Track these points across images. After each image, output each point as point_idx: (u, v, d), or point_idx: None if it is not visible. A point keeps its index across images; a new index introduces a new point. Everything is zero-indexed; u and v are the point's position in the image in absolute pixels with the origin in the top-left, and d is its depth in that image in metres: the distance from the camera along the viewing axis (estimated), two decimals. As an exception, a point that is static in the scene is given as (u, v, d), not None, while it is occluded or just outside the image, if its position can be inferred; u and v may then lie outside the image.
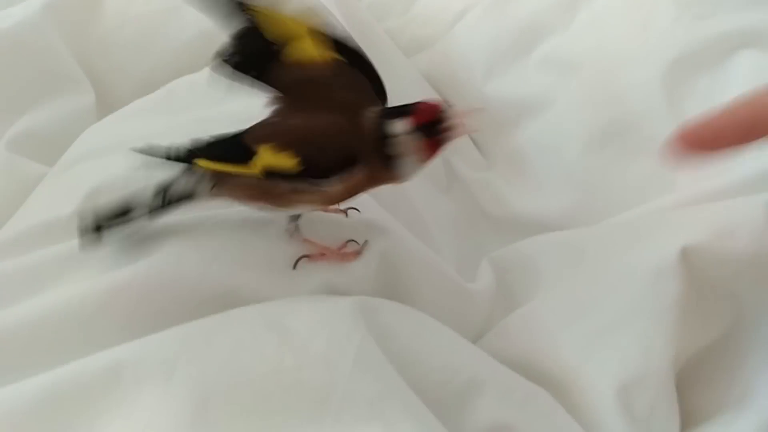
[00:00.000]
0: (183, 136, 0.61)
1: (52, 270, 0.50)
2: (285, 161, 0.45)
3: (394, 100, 0.80)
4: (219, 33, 0.81)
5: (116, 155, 0.61)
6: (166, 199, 0.48)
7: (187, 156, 0.46)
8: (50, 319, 0.45)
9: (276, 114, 0.49)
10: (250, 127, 0.48)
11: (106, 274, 0.48)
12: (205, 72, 0.70)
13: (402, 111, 0.47)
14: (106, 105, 0.80)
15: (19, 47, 0.77)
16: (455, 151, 0.82)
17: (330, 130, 0.47)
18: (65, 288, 0.48)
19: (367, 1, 1.08)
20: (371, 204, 0.58)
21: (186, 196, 0.48)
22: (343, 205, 0.54)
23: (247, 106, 0.64)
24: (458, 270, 0.68)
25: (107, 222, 0.49)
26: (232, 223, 0.52)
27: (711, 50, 0.68)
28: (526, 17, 0.81)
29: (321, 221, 0.53)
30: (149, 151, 0.47)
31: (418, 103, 0.47)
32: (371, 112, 0.47)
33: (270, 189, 0.47)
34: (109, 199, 0.49)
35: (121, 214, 0.49)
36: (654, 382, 0.49)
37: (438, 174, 0.80)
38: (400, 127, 0.46)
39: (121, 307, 0.46)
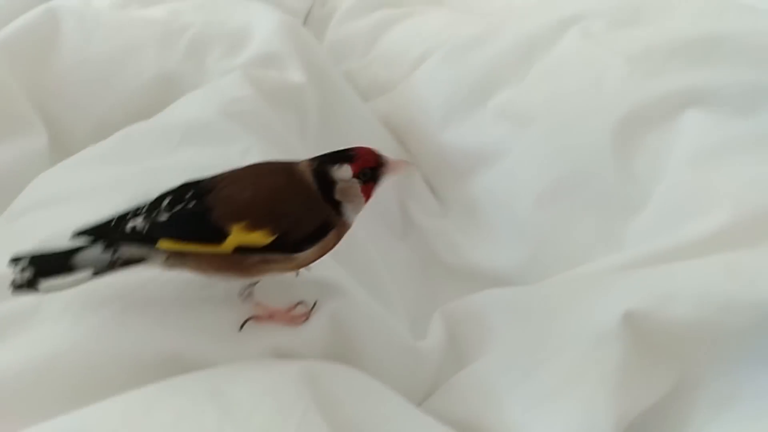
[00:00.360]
0: (135, 187, 0.61)
1: (-6, 331, 0.49)
2: (260, 238, 0.46)
3: (349, 144, 0.81)
4: (175, 76, 0.82)
5: (67, 207, 0.61)
6: (115, 261, 0.47)
7: (149, 237, 0.45)
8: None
9: (221, 184, 0.48)
10: (209, 203, 0.47)
11: (47, 339, 0.47)
12: (162, 119, 0.70)
13: (340, 157, 0.48)
14: (60, 146, 0.80)
15: (-29, 87, 0.76)
16: (412, 197, 0.83)
17: (297, 200, 0.48)
18: (8, 353, 0.47)
19: (328, 41, 1.09)
20: (324, 259, 0.58)
21: (136, 260, 0.47)
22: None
23: (199, 156, 0.65)
24: (411, 318, 0.68)
25: (46, 274, 0.46)
26: (176, 285, 0.51)
27: (660, 108, 0.70)
28: (483, 66, 0.82)
29: (272, 282, 0.53)
30: (103, 233, 0.46)
31: (354, 149, 0.49)
32: (303, 166, 0.49)
33: (239, 261, 0.47)
34: (53, 250, 0.48)
35: (63, 270, 0.47)
36: (597, 446, 0.50)
37: (395, 220, 0.81)
38: (345, 172, 0.48)
39: (63, 374, 0.46)
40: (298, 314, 0.52)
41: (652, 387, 0.54)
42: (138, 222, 0.46)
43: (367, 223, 0.74)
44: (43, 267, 0.46)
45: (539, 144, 0.74)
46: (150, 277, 0.52)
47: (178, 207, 0.47)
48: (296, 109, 0.75)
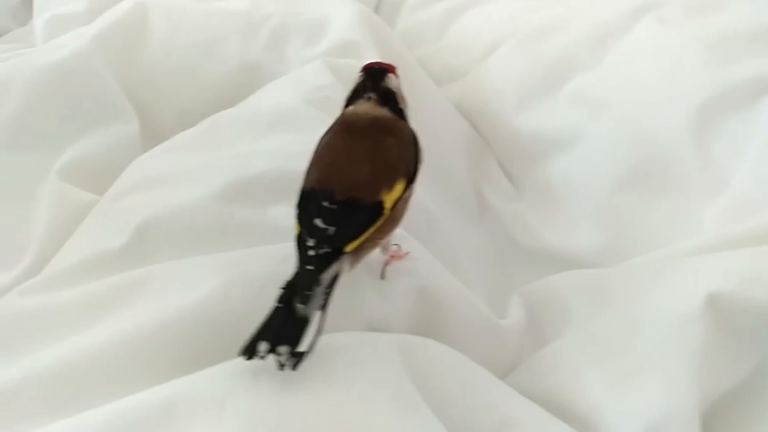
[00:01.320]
0: (227, 171, 0.64)
1: (104, 304, 0.53)
2: (401, 187, 0.50)
3: (424, 129, 0.83)
4: (258, 65, 0.85)
5: (163, 189, 0.64)
6: (327, 292, 0.46)
7: (334, 251, 0.46)
8: (106, 353, 0.48)
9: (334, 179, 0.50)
10: (346, 195, 0.48)
11: (156, 310, 0.50)
12: (248, 106, 0.73)
13: (376, 75, 0.55)
14: (149, 133, 0.84)
15: (70, 78, 0.81)
16: (487, 181, 0.84)
17: (393, 138, 0.52)
18: (118, 323, 0.51)
19: (399, 29, 1.11)
20: (407, 238, 0.60)
21: (334, 278, 0.48)
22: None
23: (286, 142, 0.68)
24: (488, 300, 0.70)
25: (293, 347, 0.44)
26: (273, 259, 0.54)
27: (739, 94, 0.70)
28: (558, 53, 0.83)
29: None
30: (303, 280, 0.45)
31: (369, 66, 0.56)
32: (365, 107, 0.53)
33: (394, 217, 0.50)
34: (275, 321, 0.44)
35: (301, 331, 0.44)
36: (679, 424, 0.51)
37: (469, 204, 0.82)
38: (394, 80, 0.55)
39: (170, 343, 0.49)
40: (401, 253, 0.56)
41: (734, 368, 0.55)
42: (320, 251, 0.46)
43: (443, 206, 0.76)
44: (281, 340, 0.44)
45: (616, 129, 0.74)
46: (249, 252, 0.55)
47: (328, 218, 0.47)
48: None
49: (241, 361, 0.47)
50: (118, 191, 0.68)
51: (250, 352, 0.43)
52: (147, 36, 0.86)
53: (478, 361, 0.54)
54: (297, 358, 0.43)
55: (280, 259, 0.53)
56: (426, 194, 0.70)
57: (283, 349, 0.43)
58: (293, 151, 0.64)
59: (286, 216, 0.60)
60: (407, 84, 0.83)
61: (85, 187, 0.76)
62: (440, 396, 0.47)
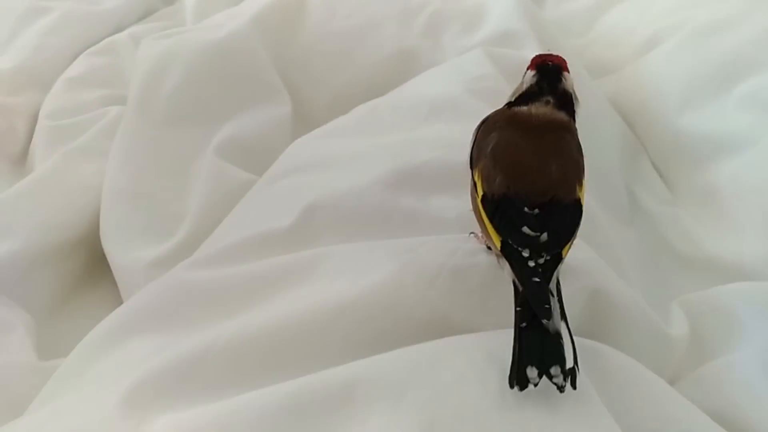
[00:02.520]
0: (389, 157, 0.64)
1: (276, 281, 0.54)
2: (586, 187, 0.48)
3: (580, 122, 0.80)
4: (414, 52, 0.85)
5: (326, 172, 0.65)
6: (562, 300, 0.45)
7: (554, 258, 0.45)
8: (286, 330, 0.49)
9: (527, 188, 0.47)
10: (548, 198, 0.46)
11: (333, 291, 0.51)
12: (407, 94, 0.73)
13: (552, 75, 0.51)
14: (300, 115, 0.86)
15: (229, 57, 0.83)
16: (640, 183, 0.81)
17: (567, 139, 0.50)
18: (294, 301, 0.51)
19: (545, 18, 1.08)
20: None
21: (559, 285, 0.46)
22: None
23: (448, 132, 0.67)
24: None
25: (563, 366, 0.42)
26: (444, 250, 0.53)
27: None
28: (730, 51, 0.78)
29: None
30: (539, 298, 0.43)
31: (541, 61, 0.52)
32: (544, 109, 0.50)
33: None
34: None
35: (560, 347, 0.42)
36: None
37: (622, 204, 0.79)
38: (569, 80, 0.52)
39: (347, 325, 0.49)
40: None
41: None
42: (539, 260, 0.44)
43: (599, 205, 0.73)
44: (548, 361, 0.42)
45: (796, 134, 0.70)
46: (420, 242, 0.54)
47: (535, 224, 0.45)
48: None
49: (421, 349, 0.47)
50: (280, 172, 0.69)
51: (522, 381, 0.41)
52: (304, 18, 0.87)
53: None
54: (571, 374, 0.42)
55: (451, 252, 0.53)
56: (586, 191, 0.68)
57: (555, 370, 0.41)
58: (455, 140, 0.63)
59: (448, 207, 0.60)
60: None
61: (239, 165, 0.78)
62: (621, 404, 0.46)
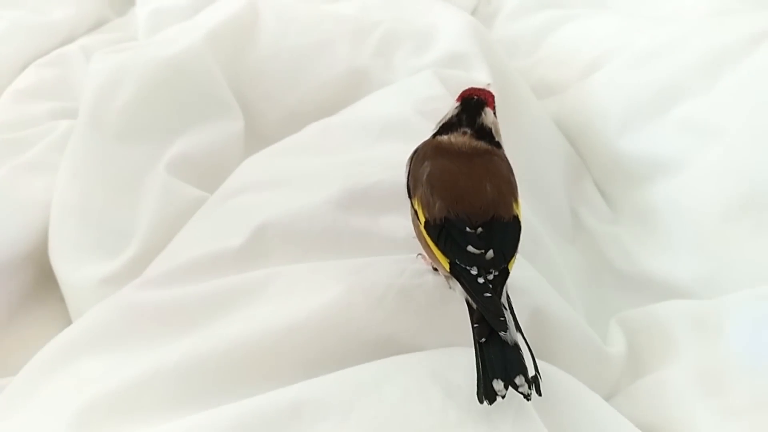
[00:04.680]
0: (339, 177, 0.65)
1: (227, 301, 0.55)
2: (520, 204, 0.51)
3: (525, 143, 0.82)
4: (365, 71, 0.87)
5: (277, 192, 0.66)
6: (514, 313, 0.47)
7: (501, 273, 0.47)
8: (235, 351, 0.50)
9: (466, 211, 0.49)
10: (489, 217, 0.48)
11: (282, 312, 0.52)
12: (358, 113, 0.74)
13: (473, 107, 0.54)
14: (252, 131, 0.86)
15: (182, 73, 0.83)
16: (583, 202, 0.84)
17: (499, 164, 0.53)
18: (244, 321, 0.52)
19: (494, 39, 1.10)
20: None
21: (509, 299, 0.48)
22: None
23: (397, 152, 0.69)
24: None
25: (526, 375, 0.43)
26: (393, 270, 0.55)
27: None
28: (667, 76, 0.82)
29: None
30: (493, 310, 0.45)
31: (468, 95, 0.54)
32: (462, 139, 0.53)
33: None
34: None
35: (521, 357, 0.44)
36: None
37: (564, 222, 0.82)
38: (490, 115, 0.54)
39: (296, 346, 0.50)
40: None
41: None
42: (488, 276, 0.46)
43: (543, 223, 0.76)
44: (512, 372, 0.43)
45: (728, 157, 0.73)
46: (369, 262, 0.56)
47: (478, 242, 0.47)
48: (480, 108, 0.77)
49: (367, 369, 0.48)
50: (231, 189, 0.69)
51: (491, 395, 0.42)
52: (257, 36, 0.88)
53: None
54: (534, 383, 0.43)
55: (398, 272, 0.55)
56: (530, 210, 0.70)
57: (520, 380, 0.43)
58: (403, 161, 0.65)
59: (397, 226, 0.62)
60: (510, 98, 0.84)
61: (190, 181, 0.78)
62: (559, 421, 0.48)
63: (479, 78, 0.79)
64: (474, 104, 0.54)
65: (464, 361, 0.49)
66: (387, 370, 0.48)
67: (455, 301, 0.53)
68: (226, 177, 0.73)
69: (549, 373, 0.51)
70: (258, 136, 0.85)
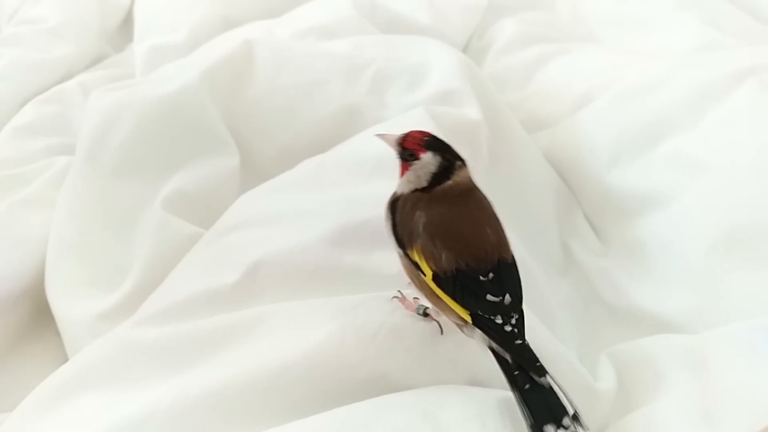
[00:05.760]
0: (333, 214, 0.66)
1: (221, 340, 0.56)
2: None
3: (516, 177, 0.83)
4: (359, 109, 0.88)
5: (272, 229, 0.67)
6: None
7: (521, 315, 0.49)
8: (229, 391, 0.51)
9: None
10: (496, 258, 0.49)
11: (276, 351, 0.53)
12: (351, 150, 0.76)
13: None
14: (248, 167, 0.87)
15: (179, 110, 0.84)
16: (574, 235, 0.85)
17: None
18: (238, 360, 0.53)
19: (485, 74, 1.12)
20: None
21: None
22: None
23: (390, 189, 0.70)
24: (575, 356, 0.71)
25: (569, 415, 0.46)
26: (386, 308, 0.56)
27: None
28: (654, 111, 0.83)
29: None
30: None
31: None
32: None
33: None
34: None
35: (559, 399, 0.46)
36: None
37: (555, 256, 0.83)
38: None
39: (289, 385, 0.51)
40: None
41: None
42: (509, 323, 0.48)
43: (533, 257, 0.77)
44: (558, 415, 0.46)
45: (713, 193, 0.74)
46: (361, 300, 0.57)
47: (494, 289, 0.48)
48: (471, 144, 0.78)
49: (358, 408, 0.49)
50: (226, 226, 0.70)
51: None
52: (253, 74, 0.89)
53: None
54: (577, 421, 0.45)
55: (391, 310, 0.56)
56: (519, 243, 0.71)
57: (566, 420, 0.45)
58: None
59: (389, 262, 0.63)
60: (501, 132, 0.86)
61: (186, 218, 0.79)
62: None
63: (470, 115, 0.81)
64: (440, 141, 0.53)
65: (455, 399, 0.50)
66: (378, 409, 0.49)
67: (446, 340, 0.54)
68: (222, 213, 0.74)
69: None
70: (253, 172, 0.86)
